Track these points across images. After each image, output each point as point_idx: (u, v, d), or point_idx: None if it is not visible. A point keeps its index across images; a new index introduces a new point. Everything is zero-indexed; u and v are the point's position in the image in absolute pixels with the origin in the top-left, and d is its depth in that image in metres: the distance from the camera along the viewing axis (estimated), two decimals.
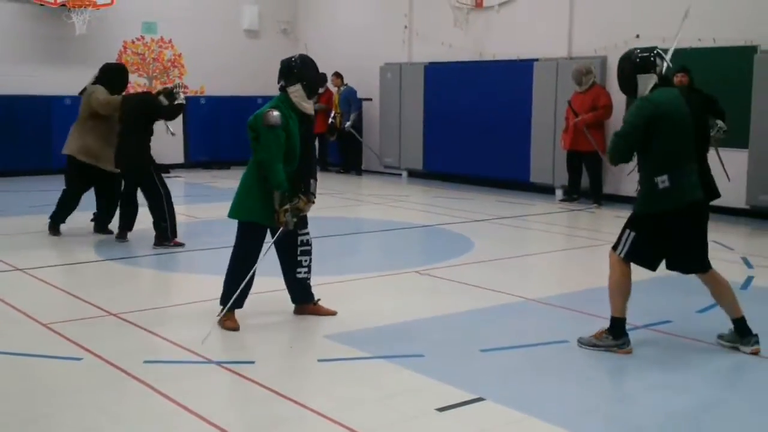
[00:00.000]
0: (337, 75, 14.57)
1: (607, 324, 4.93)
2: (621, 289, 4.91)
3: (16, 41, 13.82)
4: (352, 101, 14.58)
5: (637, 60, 4.88)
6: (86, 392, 4.19)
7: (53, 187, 11.62)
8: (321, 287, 6.46)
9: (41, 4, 13.64)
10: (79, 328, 5.24)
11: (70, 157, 8.61)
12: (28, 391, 4.22)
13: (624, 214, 10.07)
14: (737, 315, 4.89)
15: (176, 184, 13.29)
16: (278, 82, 5.18)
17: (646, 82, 4.80)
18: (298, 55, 5.35)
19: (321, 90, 14.97)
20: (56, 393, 4.18)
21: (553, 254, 8.11)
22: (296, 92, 5.12)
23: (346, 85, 14.61)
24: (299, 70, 5.14)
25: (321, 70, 17.11)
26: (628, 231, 4.95)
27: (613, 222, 9.80)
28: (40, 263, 7.08)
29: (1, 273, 6.78)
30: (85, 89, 8.69)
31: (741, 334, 4.84)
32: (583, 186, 11.28)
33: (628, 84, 4.90)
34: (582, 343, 4.90)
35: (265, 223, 5.27)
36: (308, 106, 5.28)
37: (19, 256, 7.39)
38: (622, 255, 4.93)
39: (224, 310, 5.21)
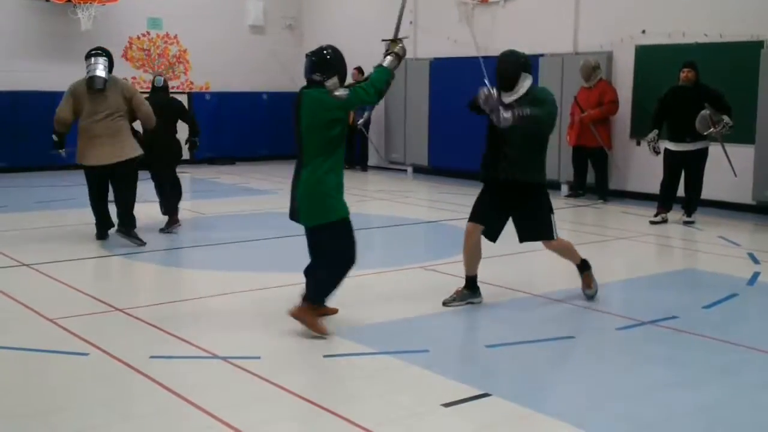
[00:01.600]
0: (359, 70, 14.32)
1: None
2: (571, 244, 6.01)
3: (22, 37, 13.84)
4: None
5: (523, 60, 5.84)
6: (92, 387, 4.20)
7: (59, 183, 11.71)
8: None
9: (47, 0, 13.65)
10: (85, 323, 5.25)
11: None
12: (34, 386, 4.23)
13: (631, 209, 10.16)
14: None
15: (182, 180, 13.30)
16: (310, 75, 4.88)
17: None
18: (327, 46, 5.03)
19: None
20: (62, 388, 4.19)
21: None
22: (333, 85, 4.92)
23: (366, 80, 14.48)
24: (336, 63, 4.94)
25: None
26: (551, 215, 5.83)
27: (619, 218, 9.80)
28: (46, 259, 7.10)
29: (8, 268, 6.80)
30: (100, 79, 7.85)
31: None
32: (589, 182, 11.26)
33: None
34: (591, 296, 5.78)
35: (348, 215, 5.03)
36: None
37: (25, 251, 7.41)
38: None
39: (311, 310, 5.06)
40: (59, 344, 4.81)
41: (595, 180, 11.06)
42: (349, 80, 16.77)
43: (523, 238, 5.78)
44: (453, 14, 13.34)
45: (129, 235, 7.79)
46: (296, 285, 6.30)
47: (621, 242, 8.35)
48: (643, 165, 10.96)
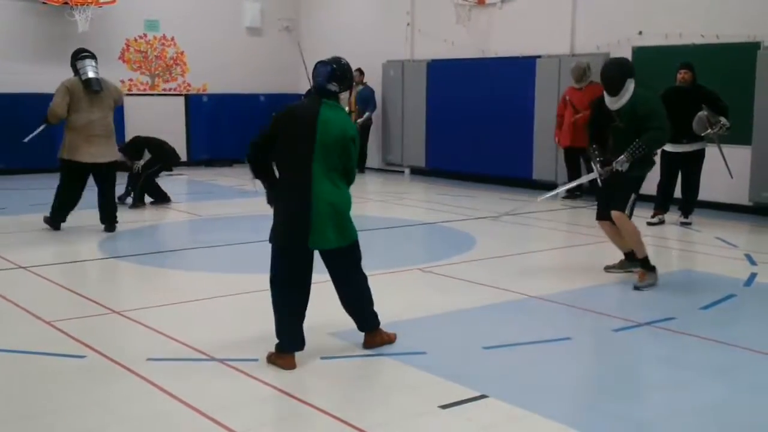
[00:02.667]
0: (360, 72, 14.24)
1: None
2: (639, 235, 6.45)
3: (19, 39, 13.83)
4: (368, 100, 14.50)
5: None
6: (89, 390, 4.19)
7: (56, 185, 11.64)
8: (324, 285, 6.47)
9: (44, 2, 13.65)
10: (82, 325, 5.25)
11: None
12: (31, 388, 4.22)
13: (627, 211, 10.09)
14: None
15: (179, 182, 13.32)
16: (326, 83, 4.54)
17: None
18: (339, 58, 4.73)
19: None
20: (59, 391, 4.19)
21: (555, 251, 8.10)
22: (345, 99, 4.80)
23: (365, 83, 14.52)
24: (351, 77, 4.71)
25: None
26: (633, 195, 6.35)
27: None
28: (42, 261, 7.09)
29: (4, 270, 6.79)
30: (96, 81, 8.50)
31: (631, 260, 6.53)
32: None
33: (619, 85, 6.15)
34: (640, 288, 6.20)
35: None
36: None
37: (21, 253, 7.40)
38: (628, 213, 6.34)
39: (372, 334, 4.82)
40: (56, 346, 4.80)
41: (590, 181, 11.03)
42: None
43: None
44: (450, 16, 13.35)
45: (114, 230, 8.57)
46: None
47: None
48: None
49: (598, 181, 6.44)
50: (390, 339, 4.84)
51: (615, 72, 6.22)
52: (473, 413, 3.87)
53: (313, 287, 6.30)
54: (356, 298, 4.76)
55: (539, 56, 12.18)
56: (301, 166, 4.44)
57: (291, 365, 4.46)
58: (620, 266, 6.77)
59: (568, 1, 11.92)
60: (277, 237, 4.56)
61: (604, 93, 6.30)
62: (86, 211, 9.82)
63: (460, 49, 13.31)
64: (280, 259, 4.56)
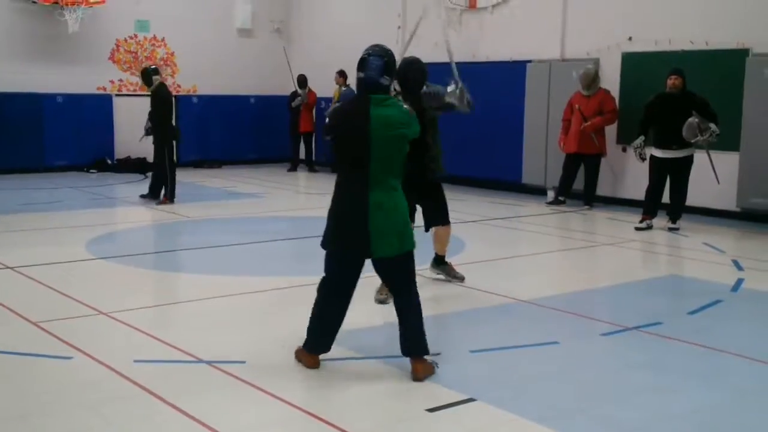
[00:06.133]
0: (341, 74, 14.38)
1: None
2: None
3: (8, 38, 13.76)
4: None
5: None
6: (76, 391, 4.17)
7: (44, 185, 11.62)
8: (313, 288, 6.45)
9: (33, 2, 13.59)
10: (69, 326, 5.22)
11: None
12: (16, 389, 4.19)
13: (616, 216, 10.19)
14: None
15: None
16: (378, 78, 4.21)
17: None
18: (384, 46, 4.40)
19: (302, 89, 15.00)
20: (46, 392, 4.16)
21: (544, 255, 8.12)
22: (394, 91, 4.56)
23: (348, 85, 14.56)
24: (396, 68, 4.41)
25: (313, 70, 17.16)
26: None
27: (604, 224, 9.84)
28: (30, 261, 7.05)
29: None
30: None
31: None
32: (574, 188, 11.29)
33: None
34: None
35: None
36: None
37: (9, 253, 7.36)
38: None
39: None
40: (42, 347, 4.77)
41: (584, 185, 11.08)
42: (332, 85, 16.81)
43: None
44: (441, 20, 13.35)
45: None
46: (281, 289, 6.32)
47: (607, 248, 8.38)
48: (628, 171, 11.03)
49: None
50: (433, 370, 4.39)
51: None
52: (461, 417, 3.88)
53: (300, 289, 6.37)
54: (410, 312, 4.37)
55: (529, 61, 12.21)
56: (357, 169, 4.18)
57: (316, 364, 4.46)
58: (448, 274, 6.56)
59: (559, 7, 11.96)
60: (332, 242, 4.32)
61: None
62: (73, 212, 9.81)
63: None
64: (334, 264, 4.38)
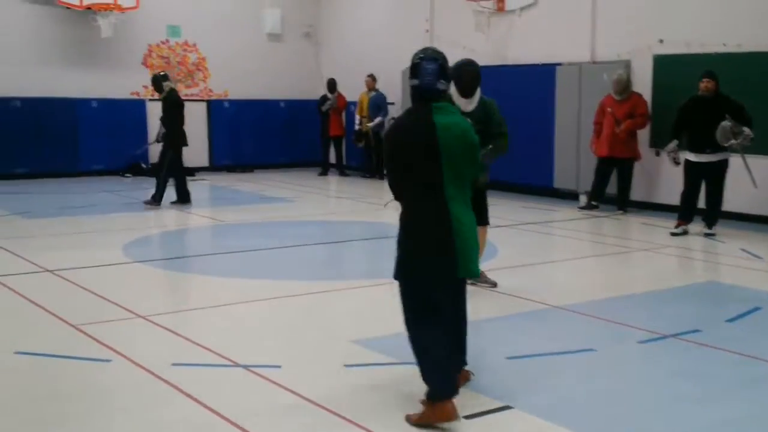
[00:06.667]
0: (372, 77, 14.51)
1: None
2: None
3: (43, 44, 13.98)
4: (381, 106, 14.57)
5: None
6: (114, 394, 4.22)
7: (79, 190, 11.78)
8: (347, 292, 6.49)
9: (67, 7, 13.79)
10: (108, 329, 5.29)
11: None
12: (57, 392, 4.26)
13: (650, 221, 10.10)
14: None
15: (201, 187, 13.40)
16: (436, 83, 3.86)
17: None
18: (435, 49, 4.06)
19: (332, 94, 15.05)
20: (85, 395, 4.22)
21: (577, 261, 8.07)
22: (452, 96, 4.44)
23: (377, 90, 14.60)
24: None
25: (343, 74, 17.21)
26: None
27: (639, 229, 9.76)
28: (68, 264, 7.15)
29: (31, 274, 6.86)
30: None
31: None
32: (607, 193, 11.19)
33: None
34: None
35: None
36: None
37: (47, 257, 7.47)
38: None
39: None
40: (82, 350, 4.84)
41: (617, 190, 10.98)
42: (363, 89, 16.88)
43: None
44: (469, 23, 13.36)
45: None
46: (313, 294, 6.34)
47: (641, 254, 8.31)
48: (662, 176, 10.92)
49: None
50: (468, 377, 4.29)
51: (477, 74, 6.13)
52: (497, 424, 3.87)
53: (332, 294, 6.39)
54: (459, 327, 4.13)
55: (559, 64, 12.15)
56: (432, 188, 3.81)
57: (453, 413, 3.76)
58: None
59: (588, 9, 11.88)
60: (417, 270, 3.87)
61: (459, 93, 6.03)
62: (109, 216, 9.94)
63: (479, 57, 13.12)
64: (423, 294, 3.89)
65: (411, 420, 3.86)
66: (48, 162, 13.91)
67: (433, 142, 3.77)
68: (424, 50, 3.96)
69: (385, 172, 4.05)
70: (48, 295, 6.14)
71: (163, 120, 10.87)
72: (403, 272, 3.92)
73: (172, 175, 10.76)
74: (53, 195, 12.04)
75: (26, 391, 4.27)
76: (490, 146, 6.05)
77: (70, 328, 5.28)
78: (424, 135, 3.79)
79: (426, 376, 3.85)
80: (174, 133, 10.77)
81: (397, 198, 3.99)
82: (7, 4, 13.60)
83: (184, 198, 10.95)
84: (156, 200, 10.69)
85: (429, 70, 3.84)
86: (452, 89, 5.96)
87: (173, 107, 10.76)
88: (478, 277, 3.87)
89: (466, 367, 4.33)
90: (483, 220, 6.23)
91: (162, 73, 11.05)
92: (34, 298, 6.01)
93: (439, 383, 3.80)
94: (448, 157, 3.78)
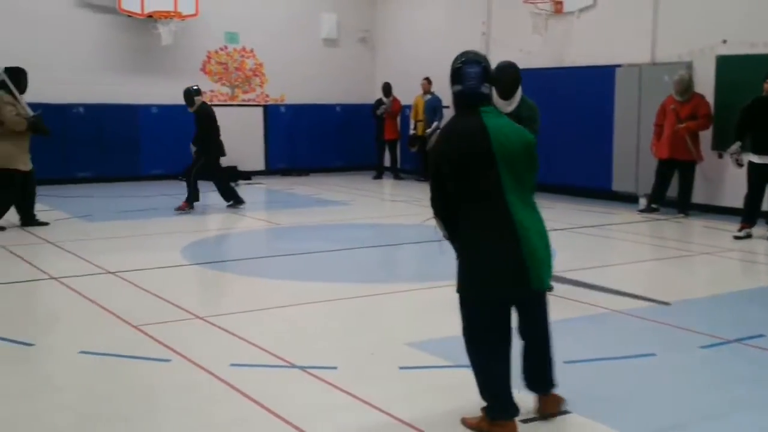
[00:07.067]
0: (428, 80, 14.52)
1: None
2: None
3: (105, 51, 14.32)
4: (437, 109, 14.56)
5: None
6: (175, 394, 4.30)
7: (140, 193, 12.03)
8: (401, 295, 6.49)
9: (129, 16, 14.11)
10: (167, 330, 5.38)
11: None
12: (118, 391, 4.35)
13: (713, 224, 9.86)
14: None
15: (257, 191, 13.57)
16: (479, 87, 3.70)
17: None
18: (476, 52, 3.87)
19: (387, 98, 15.07)
20: (146, 394, 4.31)
21: (637, 264, 7.92)
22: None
23: (433, 93, 14.60)
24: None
25: (398, 78, 17.21)
26: None
27: (701, 232, 9.54)
28: (129, 266, 7.31)
29: (94, 276, 7.03)
30: None
31: None
32: (668, 195, 10.97)
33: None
34: None
35: None
36: None
37: (109, 259, 7.64)
38: None
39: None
40: (143, 350, 4.94)
41: (678, 193, 10.74)
42: (417, 92, 16.82)
43: None
44: (527, 25, 13.25)
45: None
46: (368, 296, 6.36)
47: (703, 257, 8.12)
48: (725, 178, 10.65)
49: None
50: (560, 403, 3.96)
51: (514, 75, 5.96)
52: (555, 429, 3.82)
53: (386, 297, 6.40)
54: (541, 346, 3.88)
55: (619, 65, 11.96)
56: (490, 196, 3.60)
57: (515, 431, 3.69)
58: None
59: (649, 9, 11.68)
60: (485, 287, 3.64)
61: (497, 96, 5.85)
62: (168, 219, 10.13)
63: (536, 59, 13.17)
64: (490, 311, 3.68)
65: (467, 423, 3.83)
66: (110, 166, 14.24)
67: (487, 147, 3.58)
68: (465, 54, 3.78)
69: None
70: (110, 296, 6.28)
71: (196, 138, 10.96)
72: (465, 287, 3.71)
73: (201, 177, 10.83)
74: (115, 198, 12.31)
75: (90, 389, 4.38)
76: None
77: (132, 329, 5.40)
78: (477, 141, 3.60)
79: (484, 395, 3.75)
80: (209, 145, 10.83)
81: (436, 214, 3.81)
82: (71, 12, 13.98)
83: (236, 199, 11.05)
84: (189, 203, 10.75)
85: (472, 74, 3.69)
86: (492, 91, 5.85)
87: (205, 120, 10.80)
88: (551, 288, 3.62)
89: (556, 391, 3.97)
90: None
91: (195, 88, 11.07)
92: (96, 298, 6.16)
93: (497, 402, 3.71)
94: (505, 161, 3.59)
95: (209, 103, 15.13)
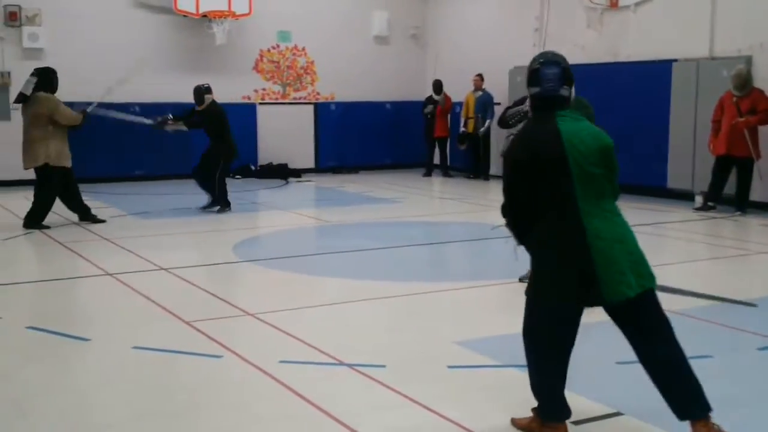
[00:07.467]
0: (480, 77, 14.48)
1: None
2: None
3: (161, 51, 14.56)
4: (488, 106, 14.49)
5: None
6: (225, 390, 4.34)
7: (191, 191, 12.19)
8: (449, 293, 6.45)
9: (185, 16, 14.32)
10: (218, 326, 5.45)
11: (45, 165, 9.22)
12: (170, 386, 4.41)
13: None
14: None
15: (307, 189, 13.66)
16: (559, 89, 3.55)
17: None
18: (554, 52, 3.73)
19: (438, 95, 15.01)
20: (197, 389, 4.36)
21: (692, 263, 7.75)
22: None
23: (484, 89, 14.53)
24: None
25: (450, 75, 17.17)
26: None
27: (759, 231, 9.28)
28: (182, 263, 7.42)
29: (148, 272, 7.15)
30: (26, 96, 9.23)
31: None
32: (725, 193, 10.70)
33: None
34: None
35: None
36: None
37: (161, 256, 7.77)
38: None
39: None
40: (194, 346, 5.00)
41: (736, 190, 10.47)
42: (469, 89, 16.69)
43: None
44: (581, 20, 13.06)
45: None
46: (417, 294, 6.34)
47: (761, 257, 7.90)
48: None
49: None
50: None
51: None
52: (607, 431, 3.75)
53: (434, 295, 6.37)
54: (669, 364, 3.56)
55: (675, 60, 11.71)
56: (562, 204, 3.48)
57: None
58: None
59: (707, 3, 11.40)
60: (553, 295, 3.54)
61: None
62: (219, 217, 10.26)
63: (591, 54, 12.98)
64: (547, 319, 3.58)
65: (516, 423, 3.79)
66: (163, 164, 14.48)
67: (560, 153, 3.44)
68: (543, 54, 3.66)
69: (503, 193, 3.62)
70: (162, 293, 6.38)
71: (191, 123, 10.76)
72: (535, 293, 3.61)
73: (222, 177, 10.68)
74: (168, 196, 12.52)
75: (142, 384, 4.45)
76: None
77: (184, 325, 5.47)
78: (550, 147, 3.46)
79: (537, 395, 3.68)
80: (217, 145, 10.66)
81: (508, 224, 3.70)
82: (128, 12, 14.25)
83: (224, 203, 10.66)
84: (223, 205, 10.58)
85: (550, 76, 3.54)
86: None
87: (214, 119, 10.59)
88: (631, 299, 3.41)
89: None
90: None
91: (205, 86, 10.83)
92: (149, 294, 6.26)
93: (550, 404, 3.65)
94: (579, 167, 3.45)
95: (262, 101, 15.38)
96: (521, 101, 5.77)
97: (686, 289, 5.76)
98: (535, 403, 3.73)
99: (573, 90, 3.63)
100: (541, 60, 3.60)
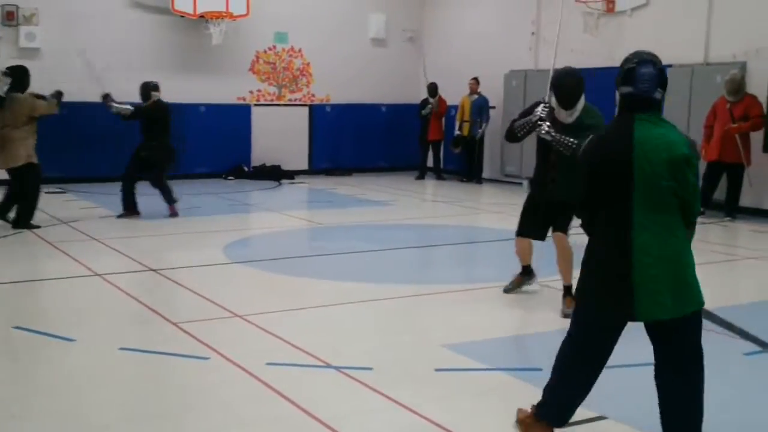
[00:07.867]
0: (476, 80, 14.49)
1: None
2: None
3: (156, 51, 14.52)
4: (483, 110, 14.50)
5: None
6: (212, 391, 4.33)
7: (185, 192, 12.17)
8: (439, 296, 6.45)
9: (181, 16, 14.31)
10: (207, 328, 5.43)
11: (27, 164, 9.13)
12: (157, 388, 4.41)
13: (762, 228, 9.60)
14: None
15: (299, 190, 13.65)
16: (653, 92, 3.38)
17: None
18: (650, 53, 3.49)
19: (433, 98, 15.01)
20: (184, 391, 4.35)
21: None
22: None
23: (480, 93, 14.54)
24: None
25: (446, 78, 17.15)
26: None
27: (749, 236, 9.30)
28: (171, 264, 7.41)
29: (136, 273, 7.14)
30: (2, 98, 9.08)
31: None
32: (714, 198, 10.72)
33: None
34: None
35: None
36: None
37: (151, 256, 7.76)
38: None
39: None
40: (182, 348, 4.99)
41: (726, 196, 10.51)
42: (464, 93, 16.60)
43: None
44: (577, 25, 13.08)
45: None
46: (406, 297, 6.34)
47: (749, 262, 7.92)
48: None
49: None
50: None
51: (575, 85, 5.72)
52: None
53: (424, 298, 6.37)
54: (680, 401, 3.50)
55: (670, 65, 11.73)
56: (617, 211, 3.35)
57: None
58: (517, 284, 6.43)
59: (704, 8, 11.43)
60: (592, 304, 3.48)
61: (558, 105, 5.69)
62: (211, 218, 10.24)
63: (587, 58, 12.97)
64: (584, 326, 3.54)
65: (519, 416, 3.82)
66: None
67: (627, 158, 3.28)
68: (637, 54, 3.45)
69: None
70: (151, 294, 6.37)
71: (132, 113, 10.36)
72: (578, 299, 3.59)
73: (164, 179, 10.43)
74: (158, 197, 12.47)
75: (129, 386, 4.44)
76: (577, 141, 5.51)
77: (171, 326, 5.46)
78: (619, 150, 3.32)
79: (550, 397, 3.67)
80: (161, 143, 10.36)
81: (583, 225, 3.61)
82: (125, 12, 14.22)
83: (133, 208, 10.31)
84: (172, 203, 10.36)
85: (646, 76, 3.35)
86: (552, 100, 5.83)
87: (155, 116, 10.24)
88: (666, 321, 3.37)
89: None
90: (561, 227, 5.99)
91: (153, 83, 10.45)
92: (138, 295, 6.25)
93: (556, 408, 3.65)
94: (644, 176, 3.27)
95: (257, 102, 15.37)
96: (528, 111, 5.82)
97: (736, 326, 5.50)
98: (533, 404, 3.76)
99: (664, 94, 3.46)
100: (636, 60, 3.41)
